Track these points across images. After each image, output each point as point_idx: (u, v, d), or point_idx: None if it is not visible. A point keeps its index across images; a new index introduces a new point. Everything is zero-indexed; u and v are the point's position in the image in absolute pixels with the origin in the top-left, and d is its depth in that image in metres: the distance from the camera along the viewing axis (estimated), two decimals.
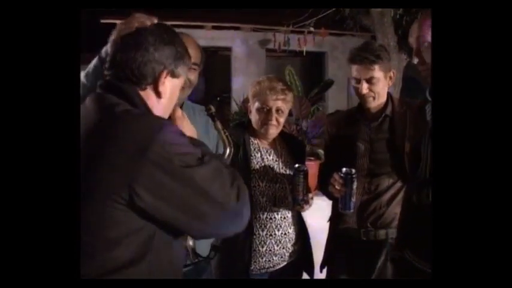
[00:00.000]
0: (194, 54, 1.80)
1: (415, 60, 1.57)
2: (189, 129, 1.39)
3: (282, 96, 2.09)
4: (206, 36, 6.85)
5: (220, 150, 1.63)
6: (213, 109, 1.66)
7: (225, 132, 1.62)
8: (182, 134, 1.16)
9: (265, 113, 2.09)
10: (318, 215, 2.55)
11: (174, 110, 1.37)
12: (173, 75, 1.24)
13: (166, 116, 1.29)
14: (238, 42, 7.18)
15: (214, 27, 6.96)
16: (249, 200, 1.19)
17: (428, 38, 1.49)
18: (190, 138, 1.28)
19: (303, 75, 8.09)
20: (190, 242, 1.54)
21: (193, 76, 1.82)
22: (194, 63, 1.80)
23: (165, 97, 1.23)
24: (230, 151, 1.58)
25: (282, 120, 2.13)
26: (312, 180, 2.33)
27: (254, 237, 2.07)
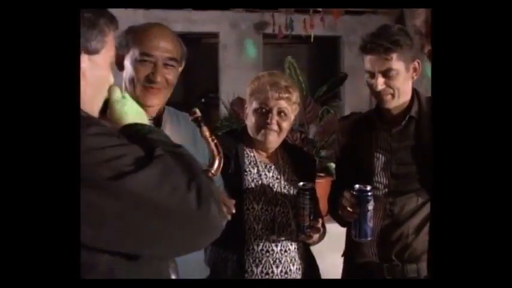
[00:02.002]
0: (171, 48, 1.89)
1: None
2: (133, 113, 1.40)
3: (285, 95, 2.15)
4: (186, 19, 6.92)
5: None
6: (198, 113, 1.75)
7: (213, 140, 1.71)
8: (109, 134, 1.17)
9: (264, 115, 2.15)
10: (330, 246, 2.62)
11: (110, 93, 1.41)
12: (88, 51, 1.25)
13: (96, 105, 1.33)
14: (227, 27, 7.24)
15: (196, 7, 6.99)
16: (218, 199, 1.19)
17: None
18: (136, 126, 1.32)
19: (311, 67, 8.16)
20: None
21: (172, 75, 1.90)
22: (171, 59, 1.89)
23: (86, 82, 1.24)
24: (220, 163, 1.67)
25: (284, 125, 2.19)
26: (323, 202, 2.39)
27: (246, 275, 2.11)
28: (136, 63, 1.85)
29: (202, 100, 8.47)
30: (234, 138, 2.27)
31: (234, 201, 1.90)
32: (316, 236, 2.14)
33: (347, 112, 5.91)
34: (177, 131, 1.93)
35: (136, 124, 1.34)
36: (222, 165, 1.68)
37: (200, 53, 7.74)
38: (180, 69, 1.97)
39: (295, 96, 2.20)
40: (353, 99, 6.84)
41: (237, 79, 6.71)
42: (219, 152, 1.68)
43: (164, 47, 1.87)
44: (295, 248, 2.20)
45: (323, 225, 2.17)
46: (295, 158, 2.34)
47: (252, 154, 2.25)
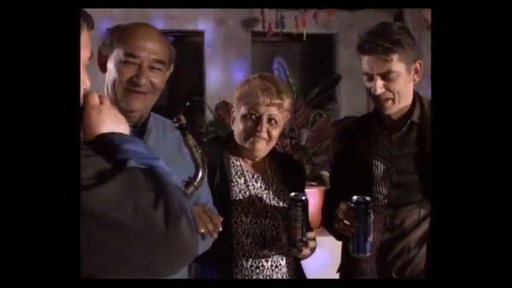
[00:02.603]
0: (158, 49, 1.88)
1: None
2: (111, 120, 1.38)
3: (277, 101, 2.17)
4: (167, 15, 6.91)
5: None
6: (183, 119, 1.75)
7: (197, 150, 1.71)
8: None
9: (253, 122, 2.17)
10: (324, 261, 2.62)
11: (88, 98, 1.38)
12: None
13: None
14: (213, 24, 7.24)
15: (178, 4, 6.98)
16: (191, 217, 1.17)
17: None
18: (111, 135, 1.31)
19: (305, 67, 8.15)
20: None
21: (158, 79, 1.88)
22: (158, 61, 1.87)
23: None
24: (203, 174, 1.68)
25: (274, 133, 2.20)
26: (315, 214, 2.40)
27: None
28: (120, 64, 1.83)
29: (187, 104, 8.45)
30: (219, 146, 2.28)
31: (221, 219, 1.90)
32: (307, 251, 2.14)
33: (343, 114, 5.91)
34: (163, 139, 1.93)
35: (113, 133, 1.32)
36: (205, 176, 1.68)
37: (184, 53, 7.71)
38: (168, 73, 1.96)
39: (287, 102, 2.21)
40: (350, 102, 6.83)
41: (223, 81, 6.70)
42: (203, 163, 1.68)
43: (151, 48, 1.85)
44: (286, 264, 2.21)
45: (313, 239, 2.17)
46: (283, 166, 2.36)
47: (238, 163, 2.26)
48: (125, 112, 1.70)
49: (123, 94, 1.83)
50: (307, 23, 6.34)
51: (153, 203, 1.12)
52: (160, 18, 6.66)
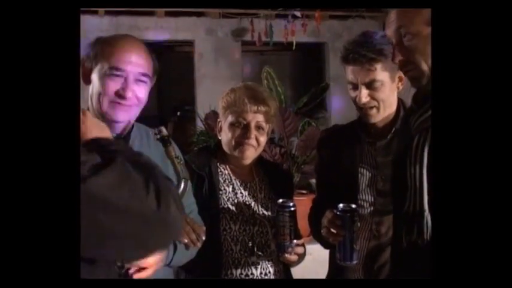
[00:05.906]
0: (143, 63, 1.89)
1: (397, 59, 1.67)
2: (94, 127, 1.47)
3: (264, 108, 2.19)
4: (158, 26, 6.93)
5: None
6: (164, 131, 1.76)
7: (179, 161, 1.73)
8: None
9: (242, 129, 2.19)
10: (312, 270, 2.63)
11: None
12: None
13: None
14: (203, 34, 7.25)
15: (168, 14, 6.98)
16: (177, 199, 1.30)
17: (411, 28, 1.60)
18: (97, 140, 1.41)
19: (295, 76, 8.17)
20: None
21: (143, 92, 1.89)
22: (144, 74, 1.88)
23: None
24: (185, 185, 1.69)
25: (262, 139, 2.23)
26: (306, 222, 2.41)
27: None
28: (104, 77, 1.83)
29: (178, 113, 8.43)
30: (208, 155, 2.29)
31: (204, 228, 1.92)
32: (294, 258, 2.16)
33: (334, 123, 5.93)
34: (147, 149, 1.92)
35: (98, 139, 1.41)
36: (187, 187, 1.70)
37: (174, 63, 7.72)
38: (152, 85, 1.96)
39: (273, 109, 2.24)
40: (340, 110, 6.84)
41: (214, 90, 6.69)
42: (185, 174, 1.70)
43: (136, 62, 1.86)
44: (275, 271, 2.22)
45: (302, 245, 2.18)
46: (270, 174, 2.38)
47: (227, 171, 2.28)
48: (110, 123, 1.76)
49: (109, 106, 1.84)
50: (296, 32, 6.36)
51: (145, 187, 1.23)
52: (150, 28, 6.67)
